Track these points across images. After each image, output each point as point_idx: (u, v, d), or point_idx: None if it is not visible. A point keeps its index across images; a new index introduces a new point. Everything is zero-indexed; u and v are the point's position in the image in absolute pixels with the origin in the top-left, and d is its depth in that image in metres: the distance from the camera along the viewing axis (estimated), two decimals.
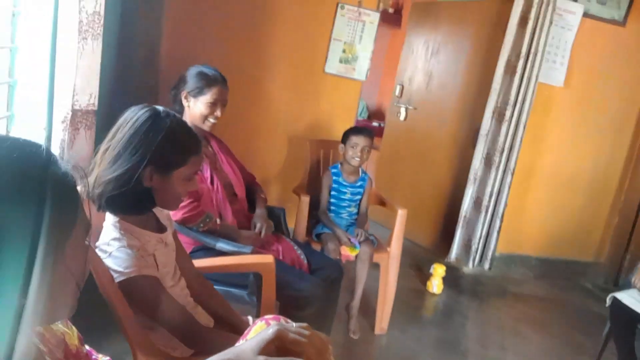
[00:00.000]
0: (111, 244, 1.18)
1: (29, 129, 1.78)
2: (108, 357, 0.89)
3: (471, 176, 3.41)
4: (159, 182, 1.21)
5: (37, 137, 1.80)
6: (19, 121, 1.76)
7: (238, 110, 2.94)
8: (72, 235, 0.62)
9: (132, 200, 1.21)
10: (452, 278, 3.45)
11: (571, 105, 3.52)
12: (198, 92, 1.93)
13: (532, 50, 3.17)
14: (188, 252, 1.88)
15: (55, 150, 1.84)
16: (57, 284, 0.61)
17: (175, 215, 1.82)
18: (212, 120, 1.98)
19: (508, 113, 3.26)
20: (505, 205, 3.42)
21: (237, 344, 0.99)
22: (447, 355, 2.57)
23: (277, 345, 0.69)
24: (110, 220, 1.22)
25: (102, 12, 1.83)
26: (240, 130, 2.95)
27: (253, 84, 2.99)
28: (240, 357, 0.70)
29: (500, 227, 3.45)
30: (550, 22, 3.11)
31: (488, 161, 3.38)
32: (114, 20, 2.53)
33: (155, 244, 1.26)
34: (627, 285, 2.42)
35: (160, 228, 1.33)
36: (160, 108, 1.24)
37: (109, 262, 1.17)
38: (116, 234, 1.19)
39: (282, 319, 1.03)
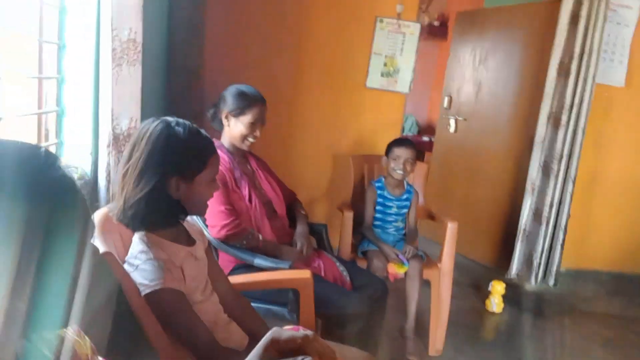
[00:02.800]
0: (138, 257, 1.19)
1: (76, 154, 1.86)
2: None
3: (528, 186, 3.23)
4: (185, 190, 1.23)
5: (85, 162, 1.87)
6: (67, 147, 1.85)
7: (281, 130, 2.97)
8: (73, 237, 0.61)
9: (165, 214, 1.23)
10: (514, 296, 3.24)
11: (635, 105, 3.28)
12: (239, 113, 1.95)
13: (586, 49, 3.00)
14: (229, 270, 1.87)
15: (102, 174, 1.91)
16: (52, 288, 0.60)
17: (219, 233, 1.82)
18: (251, 139, 1.99)
19: (564, 118, 3.08)
20: (568, 215, 3.20)
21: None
22: None
23: (277, 349, 0.66)
24: (137, 234, 1.23)
25: (139, 40, 1.90)
26: (283, 150, 2.96)
27: (294, 103, 3.01)
28: None
29: (564, 240, 3.23)
30: (604, 19, 2.93)
31: (546, 169, 3.19)
32: (159, 49, 2.64)
33: (183, 257, 1.25)
34: None
35: (190, 241, 1.33)
36: (170, 118, 1.26)
37: (135, 275, 1.17)
38: (143, 247, 1.20)
39: (301, 328, 0.98)
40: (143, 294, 1.14)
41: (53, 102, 1.79)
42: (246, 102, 1.96)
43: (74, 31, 1.77)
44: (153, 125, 1.21)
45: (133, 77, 1.82)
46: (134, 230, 1.22)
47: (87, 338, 0.80)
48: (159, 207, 1.20)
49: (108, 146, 1.88)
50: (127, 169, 1.19)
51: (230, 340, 1.33)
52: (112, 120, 1.78)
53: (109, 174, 1.91)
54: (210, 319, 1.30)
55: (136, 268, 1.18)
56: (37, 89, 1.72)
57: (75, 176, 1.84)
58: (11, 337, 0.58)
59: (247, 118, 1.96)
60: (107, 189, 1.90)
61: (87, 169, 1.88)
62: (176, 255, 1.23)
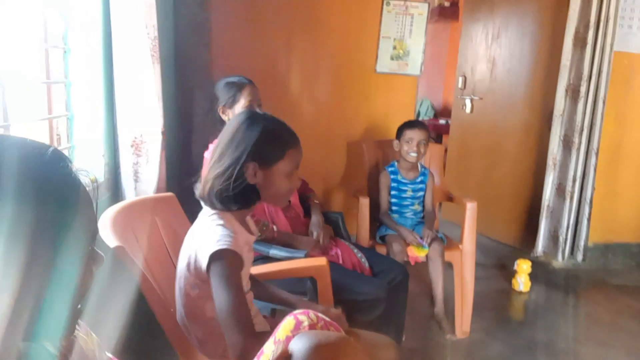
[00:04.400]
0: (210, 225, 1.24)
1: (88, 157, 1.88)
2: None
3: (550, 161, 3.16)
4: (262, 177, 1.28)
5: (97, 164, 1.89)
6: (79, 151, 1.87)
7: (293, 120, 2.92)
8: (71, 239, 0.60)
9: (240, 194, 1.27)
10: (541, 274, 3.18)
11: None
12: (232, 101, 1.96)
13: (603, 17, 2.90)
14: None
15: (128, 174, 1.92)
16: (57, 291, 0.59)
17: None
18: None
19: (583, 89, 2.99)
20: (593, 189, 3.12)
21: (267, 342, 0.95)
22: (542, 356, 2.35)
23: None
24: (209, 213, 1.29)
25: (158, 37, 1.92)
26: None
27: (305, 93, 2.99)
28: None
29: (589, 214, 3.15)
30: None
31: (567, 143, 3.11)
32: (169, 47, 2.65)
33: (243, 243, 1.30)
34: None
35: (250, 231, 1.39)
36: (256, 110, 1.38)
37: (202, 243, 1.20)
38: (214, 217, 1.26)
39: (312, 312, 0.97)
40: (210, 253, 1.16)
41: (63, 106, 1.81)
42: (235, 88, 1.98)
43: (77, 35, 1.79)
44: (239, 115, 1.32)
45: (158, 76, 1.86)
46: (211, 206, 1.27)
47: (93, 334, 0.80)
48: (235, 188, 1.25)
49: (132, 146, 1.91)
50: (213, 153, 1.29)
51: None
52: (164, 117, 1.86)
53: (136, 173, 1.93)
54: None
55: (207, 233, 1.22)
56: (47, 94, 1.74)
57: (88, 180, 1.86)
58: (15, 338, 0.57)
59: (241, 103, 1.97)
60: (135, 188, 1.92)
61: (100, 171, 1.90)
62: (240, 237, 1.28)
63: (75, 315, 0.64)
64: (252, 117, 1.29)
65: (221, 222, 1.24)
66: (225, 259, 1.17)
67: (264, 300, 1.50)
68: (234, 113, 1.96)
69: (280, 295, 1.48)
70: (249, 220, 1.43)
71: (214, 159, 1.28)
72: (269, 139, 1.27)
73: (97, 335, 0.80)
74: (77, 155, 1.86)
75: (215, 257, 1.17)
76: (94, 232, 0.68)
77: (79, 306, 0.65)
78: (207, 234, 1.22)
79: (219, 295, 1.15)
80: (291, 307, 1.42)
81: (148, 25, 1.80)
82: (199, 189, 1.30)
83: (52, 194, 0.60)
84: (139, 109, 1.89)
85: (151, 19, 1.83)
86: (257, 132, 1.26)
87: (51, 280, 0.59)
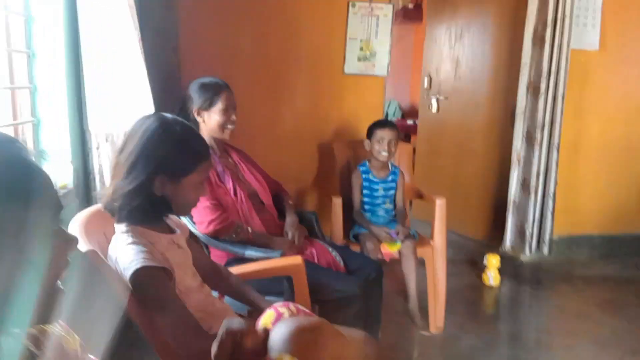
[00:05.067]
0: (120, 244, 1.18)
1: (56, 163, 1.84)
2: None
3: (514, 157, 3.25)
4: (170, 190, 1.22)
5: (66, 170, 1.85)
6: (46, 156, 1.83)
7: (264, 123, 2.96)
8: (29, 221, 0.58)
9: (150, 209, 1.22)
10: (510, 268, 3.26)
11: (611, 67, 3.30)
12: (209, 104, 1.94)
13: (559, 16, 3.01)
14: (222, 264, 1.87)
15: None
16: (16, 277, 0.58)
17: (207, 228, 1.82)
18: (230, 126, 1.98)
19: (543, 86, 3.10)
20: (556, 183, 3.23)
21: None
22: (514, 348, 2.41)
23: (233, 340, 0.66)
24: (120, 226, 1.22)
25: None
26: (268, 143, 2.95)
27: (274, 96, 3.00)
28: None
29: (554, 208, 3.26)
30: None
31: (529, 139, 3.21)
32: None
33: (166, 245, 1.25)
34: None
35: (171, 230, 1.33)
36: (168, 116, 1.25)
37: (119, 262, 1.16)
38: (125, 235, 1.19)
39: (292, 304, 0.98)
40: (127, 277, 1.12)
41: (27, 112, 1.77)
42: (212, 91, 1.96)
43: (43, 39, 1.75)
44: (149, 120, 1.21)
45: (146, 78, 1.85)
46: (118, 221, 1.22)
47: (76, 336, 0.79)
48: (144, 204, 1.19)
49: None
50: (119, 161, 1.19)
51: None
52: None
53: None
54: (205, 309, 1.30)
55: (119, 256, 1.16)
56: (11, 100, 1.70)
57: (57, 187, 1.82)
58: None
59: (218, 106, 1.95)
60: None
61: (69, 177, 1.86)
62: (158, 243, 1.23)
63: (52, 299, 0.63)
64: (164, 127, 1.20)
65: (129, 240, 1.17)
66: (145, 279, 1.12)
67: (232, 297, 1.48)
68: (209, 116, 1.95)
69: (249, 296, 1.45)
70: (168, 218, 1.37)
71: (121, 170, 1.18)
72: (181, 152, 1.21)
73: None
74: (45, 162, 1.82)
75: (133, 280, 1.12)
76: (58, 210, 0.66)
77: (60, 285, 0.64)
78: (121, 258, 1.16)
79: (157, 316, 1.13)
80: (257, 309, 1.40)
81: (134, 28, 1.79)
82: (105, 198, 1.22)
83: (9, 183, 0.58)
84: (125, 111, 1.86)
85: (135, 21, 1.82)
86: (169, 145, 1.19)
87: (21, 267, 0.58)
